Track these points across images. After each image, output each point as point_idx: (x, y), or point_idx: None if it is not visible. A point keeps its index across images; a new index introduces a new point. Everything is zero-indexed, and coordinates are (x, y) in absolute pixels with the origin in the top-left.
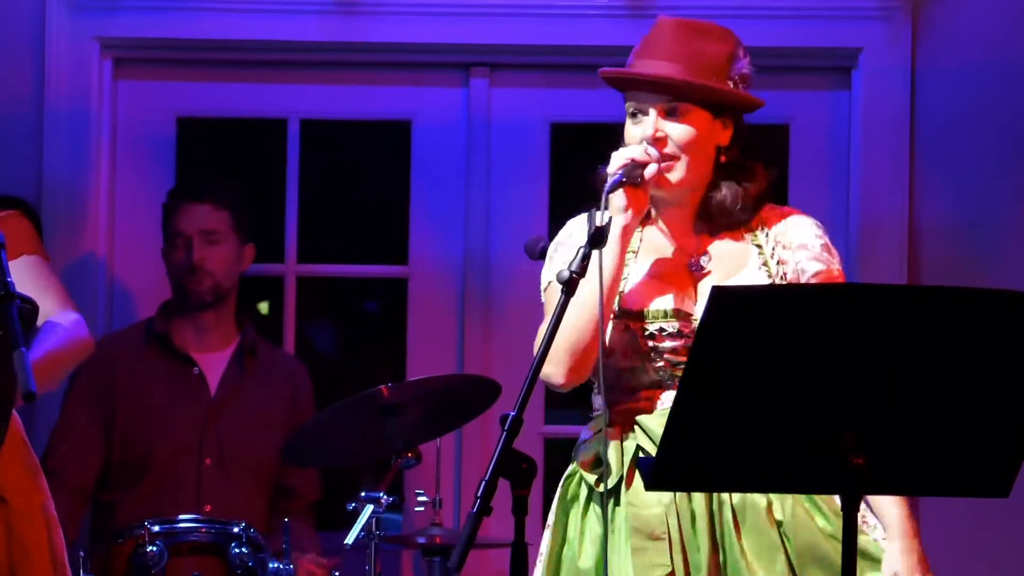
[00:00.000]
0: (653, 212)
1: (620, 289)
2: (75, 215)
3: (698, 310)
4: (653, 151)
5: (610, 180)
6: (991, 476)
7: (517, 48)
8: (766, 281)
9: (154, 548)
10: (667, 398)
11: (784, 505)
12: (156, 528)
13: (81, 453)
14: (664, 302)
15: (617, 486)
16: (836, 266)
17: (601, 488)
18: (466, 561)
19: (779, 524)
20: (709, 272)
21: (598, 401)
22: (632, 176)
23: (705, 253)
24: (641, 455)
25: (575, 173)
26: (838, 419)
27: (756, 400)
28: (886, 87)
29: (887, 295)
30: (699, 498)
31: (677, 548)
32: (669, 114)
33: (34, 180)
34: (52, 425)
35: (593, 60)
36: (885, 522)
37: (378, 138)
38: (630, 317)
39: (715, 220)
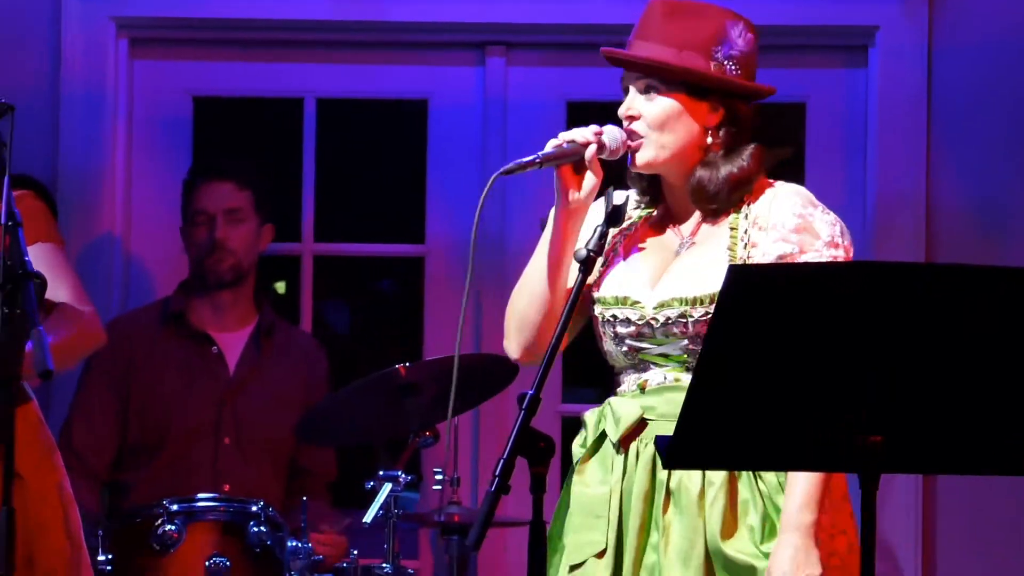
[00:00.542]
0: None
1: (599, 273)
2: (91, 195)
3: (649, 299)
4: (613, 132)
5: (528, 157)
6: (1010, 453)
7: (533, 27)
8: (726, 265)
9: (172, 527)
10: (630, 381)
11: (716, 494)
12: (174, 507)
13: (97, 431)
14: (617, 288)
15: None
16: (815, 245)
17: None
18: (484, 539)
19: (708, 510)
20: (680, 260)
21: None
22: (564, 159)
23: (690, 240)
24: (611, 436)
25: None
26: (855, 397)
27: (773, 378)
28: (903, 65)
29: (904, 273)
30: (640, 480)
31: (613, 527)
32: (644, 92)
33: (50, 160)
34: (68, 404)
35: (610, 39)
36: (784, 510)
37: (394, 117)
38: (596, 302)
39: (700, 204)
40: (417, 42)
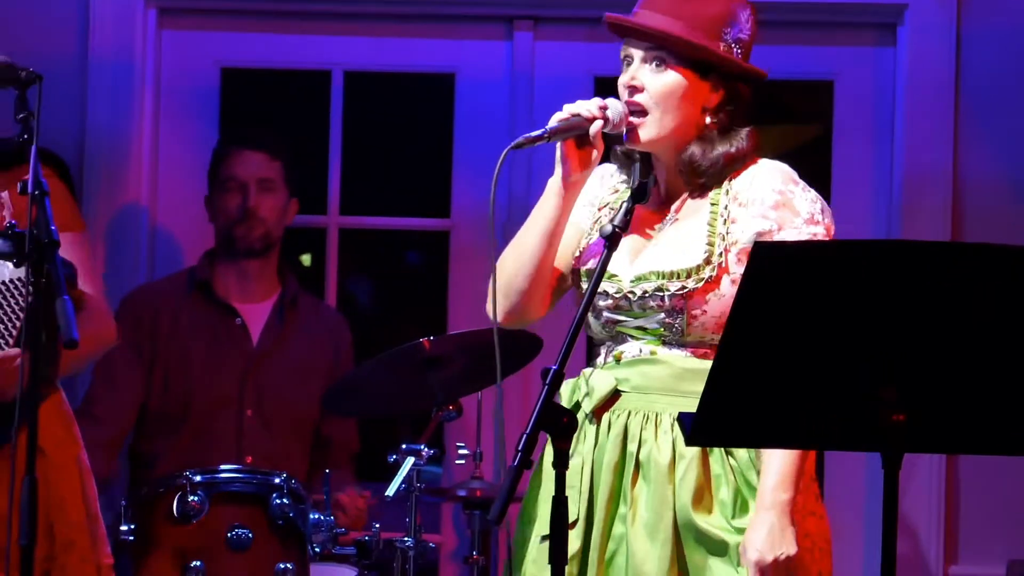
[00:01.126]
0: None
1: (582, 248)
2: (118, 165)
3: (626, 272)
4: (617, 107)
5: (537, 131)
6: None
7: (560, 1)
8: (703, 242)
9: (195, 498)
10: (606, 353)
11: (686, 467)
12: (197, 478)
13: (120, 399)
14: (595, 262)
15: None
16: (794, 223)
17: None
18: (506, 514)
19: (678, 483)
20: (662, 234)
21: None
22: (569, 133)
23: (674, 214)
24: (584, 407)
25: None
26: (879, 376)
27: (796, 356)
28: (932, 43)
29: (929, 252)
30: (610, 449)
31: (584, 498)
32: (650, 63)
33: (78, 130)
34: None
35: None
36: (759, 488)
37: (421, 90)
38: (576, 275)
39: (688, 179)
40: (445, 15)
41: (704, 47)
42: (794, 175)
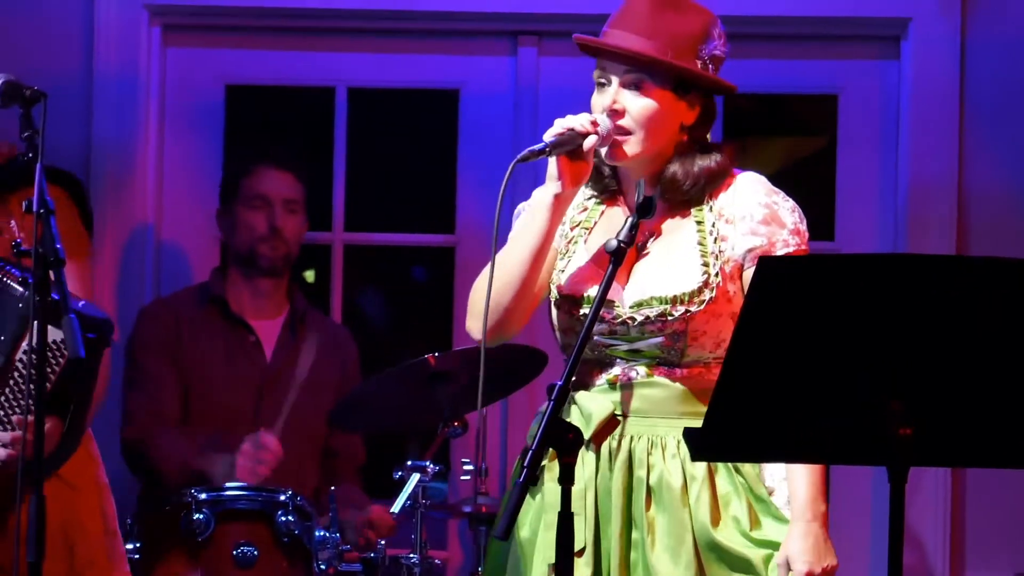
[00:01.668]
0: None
1: (561, 269)
2: (124, 181)
3: (626, 295)
4: (605, 122)
5: (531, 146)
6: None
7: (565, 17)
8: (698, 264)
9: (201, 515)
10: (602, 377)
11: (699, 489)
12: (203, 496)
13: (157, 399)
14: (587, 286)
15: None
16: (782, 236)
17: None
18: (512, 529)
19: (693, 504)
20: (647, 254)
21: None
22: (566, 146)
23: (654, 234)
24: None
25: None
26: (884, 389)
27: (802, 370)
28: (936, 56)
29: (934, 265)
30: (618, 476)
31: (591, 524)
32: (631, 87)
33: (83, 146)
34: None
35: None
36: (793, 501)
37: (426, 106)
38: (564, 300)
39: (667, 197)
40: (449, 31)
41: (685, 68)
42: (771, 185)
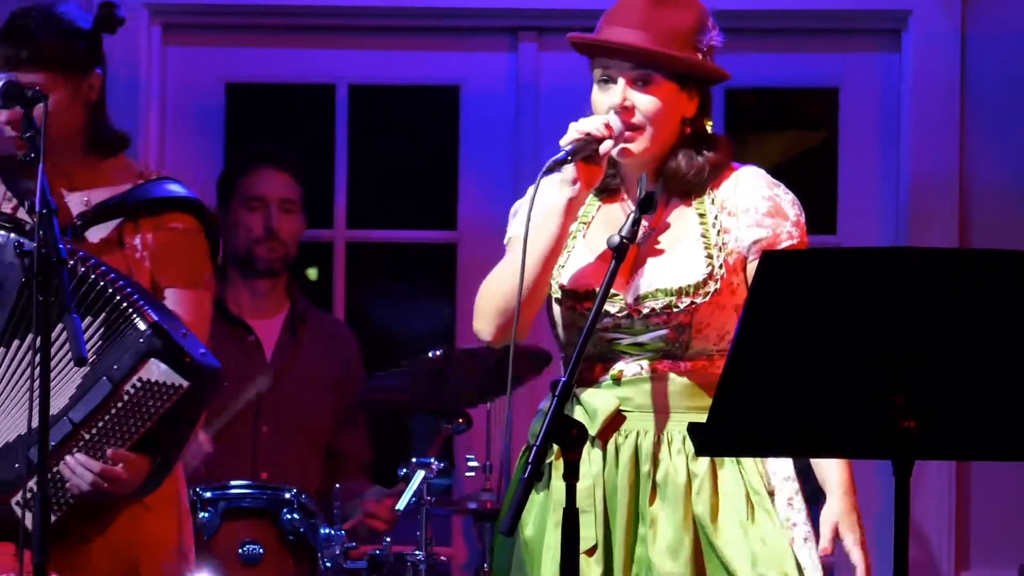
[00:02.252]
0: (623, 189)
1: (561, 265)
2: None
3: (630, 288)
4: (616, 123)
5: (555, 156)
6: None
7: (566, 12)
8: (702, 256)
9: (206, 514)
10: (606, 374)
11: (701, 483)
12: (208, 494)
13: None
14: (592, 280)
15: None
16: (786, 228)
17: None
18: (517, 525)
19: (696, 496)
20: (651, 247)
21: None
22: (585, 151)
23: (656, 227)
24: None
25: None
26: (888, 383)
27: (806, 364)
28: (936, 49)
29: (937, 258)
30: (624, 472)
31: (600, 522)
32: (637, 83)
33: None
34: None
35: None
36: (831, 477)
37: (426, 103)
38: (568, 295)
39: (669, 189)
40: (450, 27)
41: (691, 60)
42: (771, 178)
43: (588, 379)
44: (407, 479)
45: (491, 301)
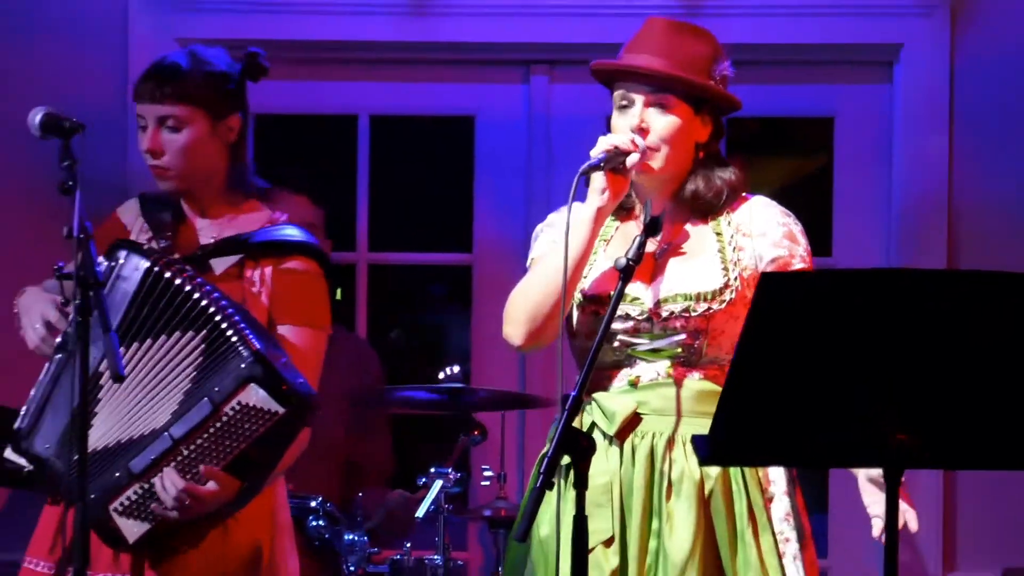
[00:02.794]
0: (637, 208)
1: (584, 275)
2: None
3: (648, 294)
4: (639, 140)
5: (589, 162)
6: None
7: (576, 46)
8: (719, 268)
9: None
10: (623, 375)
11: (713, 485)
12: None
13: None
14: (615, 288)
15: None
16: (799, 252)
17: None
18: (530, 533)
19: (709, 496)
20: (671, 256)
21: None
22: (613, 162)
23: (672, 241)
24: (600, 430)
25: None
26: (882, 397)
27: (803, 379)
28: (926, 80)
29: (927, 279)
30: (640, 470)
31: (617, 515)
32: (654, 106)
33: (119, 173)
34: None
35: None
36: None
37: (443, 132)
38: (590, 301)
39: (688, 208)
40: (465, 60)
41: (707, 85)
42: (783, 207)
43: (604, 386)
44: (426, 488)
45: (521, 308)
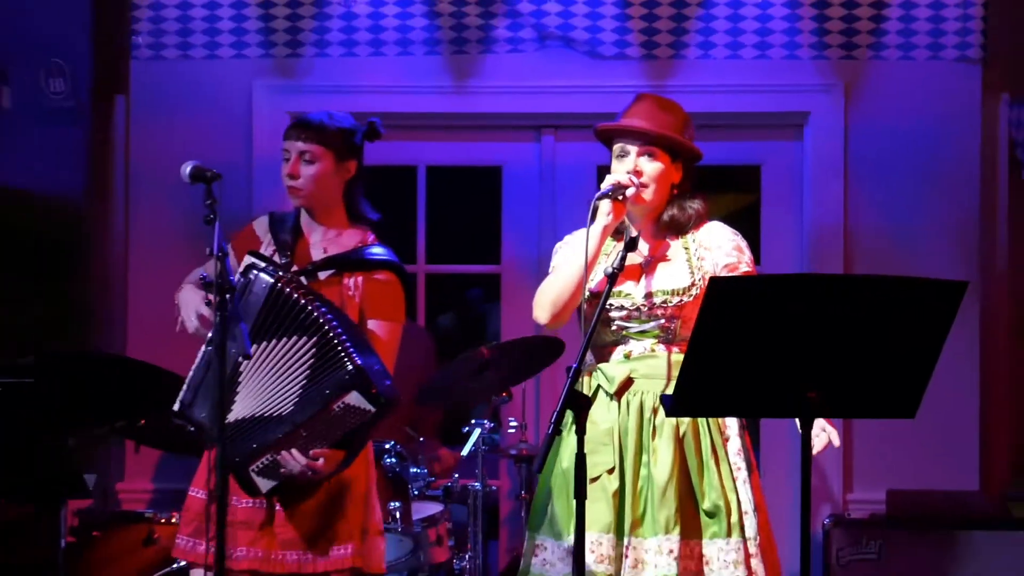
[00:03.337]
0: (624, 234)
1: (591, 279)
2: None
3: (638, 291)
4: (635, 179)
5: (600, 192)
6: (904, 403)
7: (575, 115)
8: (687, 271)
9: None
10: (619, 351)
11: (686, 428)
12: None
13: None
14: (613, 288)
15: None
16: (744, 259)
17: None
18: (544, 466)
19: (683, 437)
20: (653, 267)
21: (588, 356)
22: (616, 193)
23: (654, 254)
24: (604, 390)
25: None
26: (799, 367)
27: (743, 356)
28: (828, 139)
29: (834, 282)
30: (633, 418)
31: (616, 451)
32: (645, 155)
33: (246, 214)
34: None
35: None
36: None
37: (479, 178)
38: (595, 296)
39: (666, 229)
40: (494, 125)
41: (681, 142)
42: (732, 228)
43: (607, 358)
44: (468, 435)
45: (547, 297)
